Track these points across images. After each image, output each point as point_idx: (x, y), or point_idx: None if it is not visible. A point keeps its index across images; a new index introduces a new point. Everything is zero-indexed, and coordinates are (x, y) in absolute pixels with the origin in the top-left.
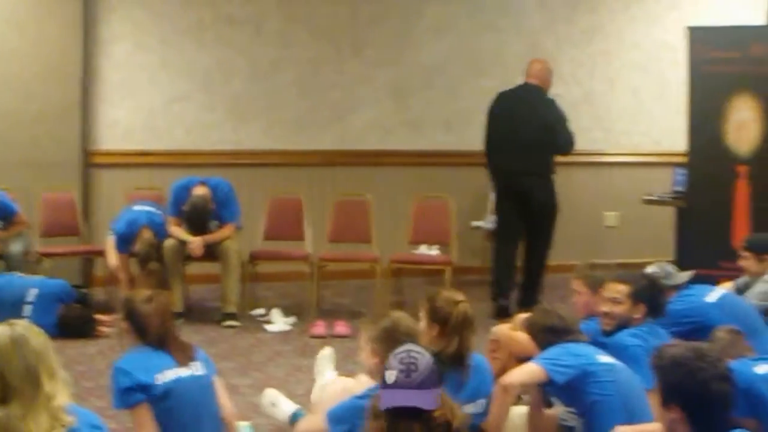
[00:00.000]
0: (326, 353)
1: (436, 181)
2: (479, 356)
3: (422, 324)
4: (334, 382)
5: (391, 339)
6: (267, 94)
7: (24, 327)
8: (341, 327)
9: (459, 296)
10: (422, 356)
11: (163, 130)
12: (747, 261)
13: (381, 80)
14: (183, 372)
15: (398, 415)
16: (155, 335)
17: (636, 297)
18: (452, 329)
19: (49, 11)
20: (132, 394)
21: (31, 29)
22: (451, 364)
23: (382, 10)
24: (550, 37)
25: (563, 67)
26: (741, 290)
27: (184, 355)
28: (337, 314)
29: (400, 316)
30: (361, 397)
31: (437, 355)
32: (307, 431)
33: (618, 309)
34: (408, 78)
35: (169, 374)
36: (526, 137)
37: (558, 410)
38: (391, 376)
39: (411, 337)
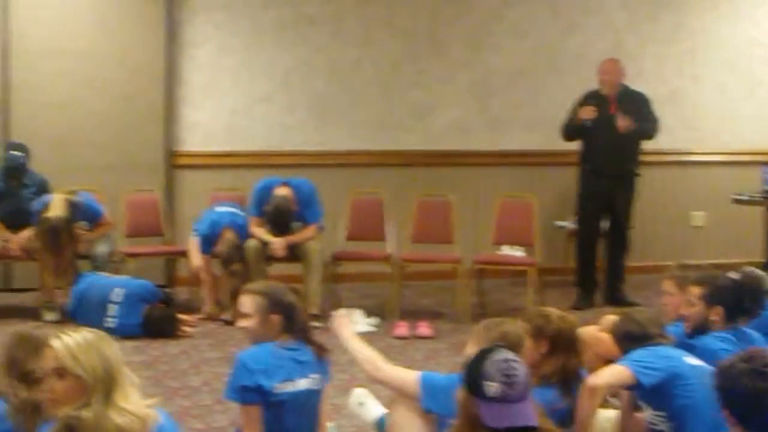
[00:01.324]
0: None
1: (519, 181)
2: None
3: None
4: None
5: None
6: (348, 94)
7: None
8: (424, 328)
9: (559, 311)
10: (520, 364)
11: (246, 131)
12: None
13: (462, 80)
14: (302, 384)
15: None
16: (302, 326)
17: (710, 299)
18: (566, 345)
19: (133, 15)
20: (249, 392)
21: (116, 33)
22: (565, 384)
23: (462, 10)
24: (634, 35)
25: (647, 66)
26: None
27: (319, 353)
28: (419, 315)
29: (513, 330)
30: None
31: (548, 376)
32: (399, 386)
33: (691, 311)
34: (489, 78)
35: (289, 386)
36: None
37: (647, 414)
38: (493, 388)
39: (516, 348)
